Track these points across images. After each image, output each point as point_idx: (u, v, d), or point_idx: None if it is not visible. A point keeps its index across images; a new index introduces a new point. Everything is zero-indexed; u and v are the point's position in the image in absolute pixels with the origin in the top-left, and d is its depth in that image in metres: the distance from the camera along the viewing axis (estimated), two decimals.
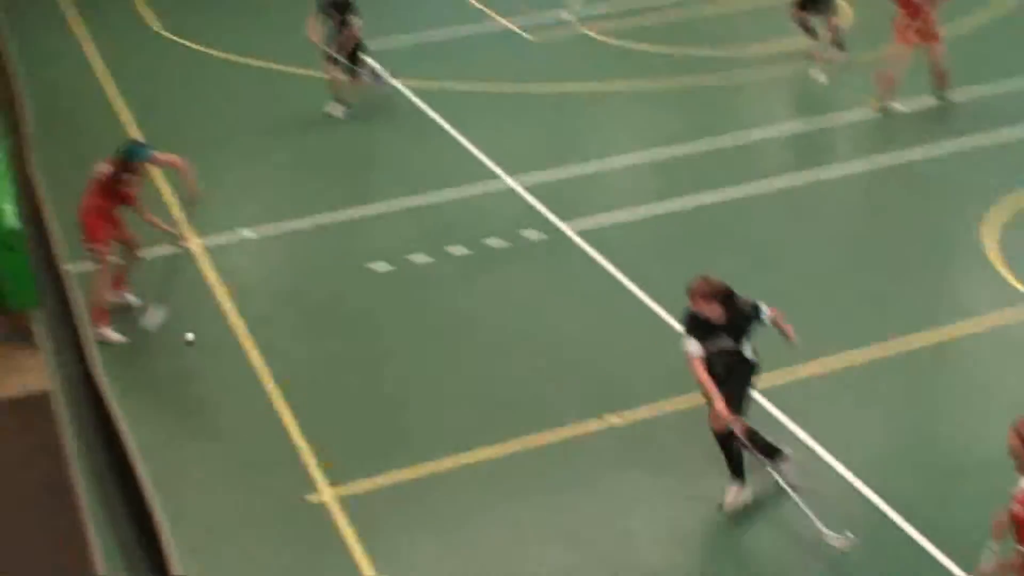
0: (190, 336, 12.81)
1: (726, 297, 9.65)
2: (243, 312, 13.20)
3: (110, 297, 13.02)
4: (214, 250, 14.40)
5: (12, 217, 11.92)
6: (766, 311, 9.79)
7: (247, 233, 14.73)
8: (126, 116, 18.14)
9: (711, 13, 21.55)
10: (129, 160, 12.70)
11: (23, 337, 12.47)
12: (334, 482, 10.55)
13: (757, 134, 17.00)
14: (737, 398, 9.91)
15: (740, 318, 9.75)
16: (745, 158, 16.36)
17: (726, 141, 16.72)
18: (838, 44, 18.88)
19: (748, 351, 9.91)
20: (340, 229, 14.91)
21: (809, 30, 18.92)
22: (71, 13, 22.92)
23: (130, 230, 13.09)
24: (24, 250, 11.98)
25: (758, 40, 19.86)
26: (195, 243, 14.31)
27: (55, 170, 16.24)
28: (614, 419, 11.19)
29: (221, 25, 21.92)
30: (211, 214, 14.97)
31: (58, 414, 11.26)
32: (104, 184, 12.69)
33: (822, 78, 18.32)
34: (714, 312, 9.63)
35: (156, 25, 22.05)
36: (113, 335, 12.86)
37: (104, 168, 12.76)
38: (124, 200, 12.75)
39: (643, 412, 11.28)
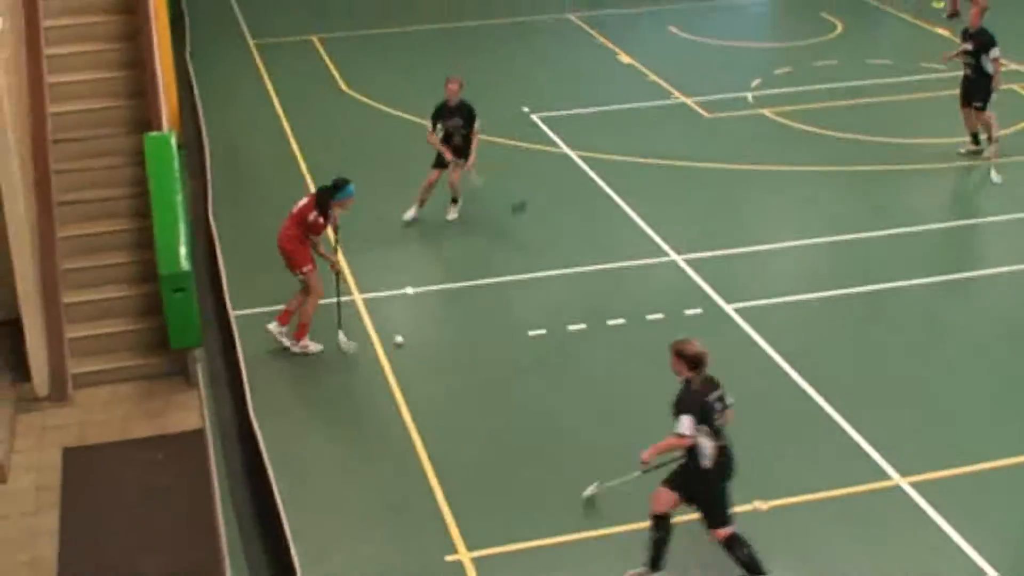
0: (399, 339, 13.67)
1: (689, 366, 9.56)
2: (395, 364, 13.38)
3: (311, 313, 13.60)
4: (376, 304, 14.62)
5: (185, 260, 12.34)
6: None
7: (410, 291, 14.88)
8: (304, 168, 18.57)
9: (893, 101, 21.22)
10: (335, 196, 13.37)
11: (184, 374, 12.85)
12: (472, 544, 10.53)
13: (927, 225, 16.67)
14: (699, 503, 9.77)
15: (678, 396, 9.62)
16: (914, 248, 16.01)
17: (895, 229, 16.40)
18: (990, 138, 18.49)
19: (701, 450, 9.58)
20: (501, 292, 15.02)
21: (973, 135, 18.70)
22: (264, 67, 23.66)
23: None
24: (192, 292, 12.35)
25: (936, 131, 19.41)
26: (359, 297, 14.57)
27: (232, 215, 16.74)
28: (760, 504, 10.95)
29: (402, 86, 22.37)
30: (376, 270, 15.23)
31: (209, 451, 11.54)
32: (304, 216, 13.32)
33: (996, 178, 17.83)
34: (678, 371, 9.63)
35: (343, 83, 22.58)
36: (313, 346, 13.58)
37: (306, 202, 13.44)
38: (315, 231, 13.41)
39: (789, 500, 11.03)
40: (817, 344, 13.75)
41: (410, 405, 12.60)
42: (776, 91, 21.81)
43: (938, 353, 13.60)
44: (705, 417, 9.53)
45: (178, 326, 12.40)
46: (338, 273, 13.76)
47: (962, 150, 18.77)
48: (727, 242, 16.08)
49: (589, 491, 10.99)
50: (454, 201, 16.78)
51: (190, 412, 12.33)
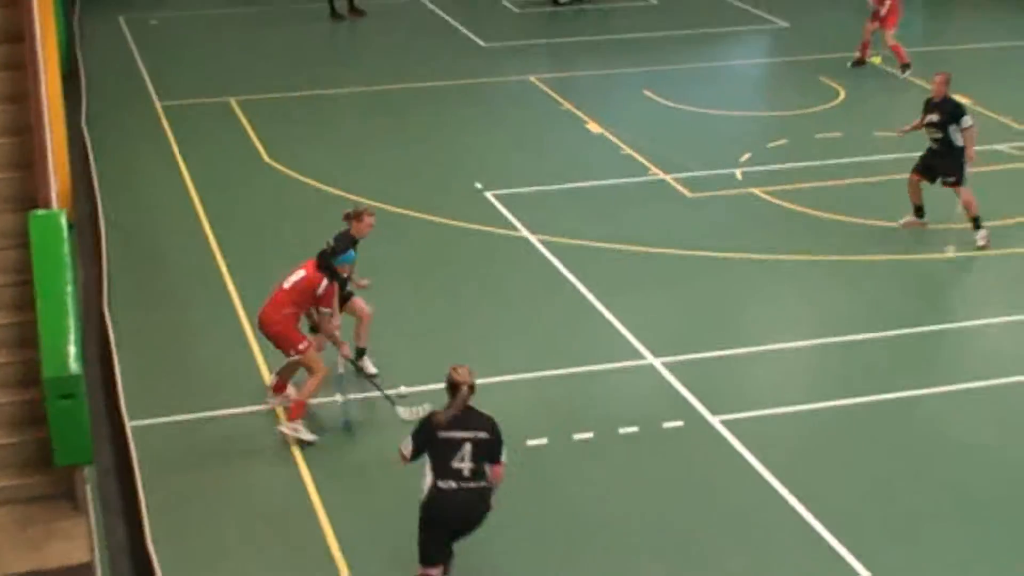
0: (403, 413, 14.21)
1: (448, 391, 10.76)
2: (319, 480, 13.31)
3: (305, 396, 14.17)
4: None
5: (74, 361, 12.15)
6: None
7: (339, 398, 14.71)
8: (217, 253, 18.45)
9: (899, 180, 21.33)
10: (337, 261, 13.94)
11: (70, 497, 12.60)
12: None
13: (932, 325, 16.82)
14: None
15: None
16: (928, 351, 16.13)
17: (899, 330, 16.51)
18: (976, 222, 18.80)
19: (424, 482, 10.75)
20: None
21: (918, 207, 19.21)
22: (172, 133, 23.64)
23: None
24: (82, 399, 12.16)
25: (946, 216, 19.47)
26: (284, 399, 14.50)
27: (131, 308, 16.60)
28: None
29: (335, 157, 22.50)
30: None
31: None
32: (306, 289, 13.83)
33: (950, 252, 18.13)
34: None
35: (264, 153, 22.59)
36: (307, 434, 13.90)
37: (304, 273, 13.89)
38: (326, 302, 13.94)
39: None
40: (816, 465, 13.74)
41: (336, 529, 12.47)
42: (769, 167, 21.99)
43: (950, 475, 13.58)
44: (431, 450, 10.61)
45: (64, 439, 12.19)
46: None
47: (900, 222, 19.37)
48: (712, 343, 16.09)
49: None
50: (361, 352, 15.41)
51: (76, 542, 12.09)
